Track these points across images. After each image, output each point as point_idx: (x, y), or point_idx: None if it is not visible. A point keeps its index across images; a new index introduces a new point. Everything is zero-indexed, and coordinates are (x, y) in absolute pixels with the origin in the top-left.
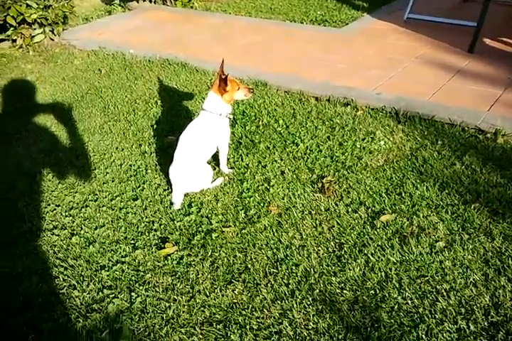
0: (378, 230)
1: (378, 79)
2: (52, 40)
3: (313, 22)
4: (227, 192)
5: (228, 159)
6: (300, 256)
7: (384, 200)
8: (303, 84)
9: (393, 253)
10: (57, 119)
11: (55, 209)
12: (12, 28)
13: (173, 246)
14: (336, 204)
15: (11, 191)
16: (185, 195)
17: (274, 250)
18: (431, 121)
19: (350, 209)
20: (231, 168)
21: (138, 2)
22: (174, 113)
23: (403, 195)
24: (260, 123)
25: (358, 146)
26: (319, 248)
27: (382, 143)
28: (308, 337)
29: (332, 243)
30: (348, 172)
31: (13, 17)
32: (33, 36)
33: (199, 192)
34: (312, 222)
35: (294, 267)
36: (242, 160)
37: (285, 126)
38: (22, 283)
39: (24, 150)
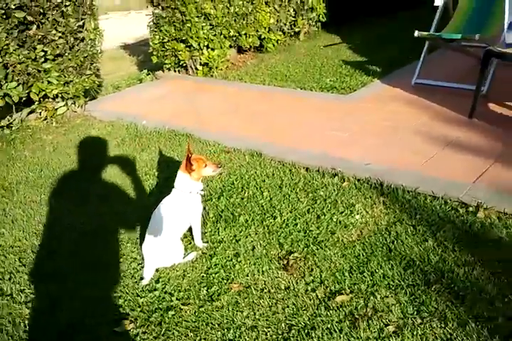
0: (331, 311)
1: (373, 149)
2: (75, 111)
3: (322, 89)
4: (196, 268)
5: (205, 233)
6: (248, 337)
7: (345, 279)
8: (297, 154)
9: (340, 337)
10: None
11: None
12: (37, 102)
13: (130, 323)
14: (297, 283)
15: None
16: (156, 270)
17: (225, 330)
18: (414, 194)
19: (309, 288)
20: (206, 241)
21: (163, 71)
22: (167, 184)
23: (365, 273)
24: (246, 195)
25: (335, 220)
26: (269, 329)
27: (358, 217)
28: None
29: (283, 324)
30: (317, 248)
31: (35, 93)
32: (56, 109)
33: (170, 267)
34: (269, 301)
35: None
36: (218, 234)
37: (269, 199)
38: None
39: None
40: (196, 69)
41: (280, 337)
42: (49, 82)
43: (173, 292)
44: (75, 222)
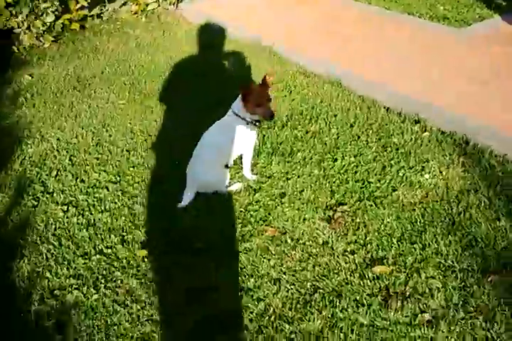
0: (365, 281)
1: (469, 98)
2: (166, 9)
3: (433, 18)
4: (236, 200)
5: (256, 164)
6: (267, 290)
7: (391, 247)
8: (381, 92)
9: (366, 313)
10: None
11: (76, 185)
12: None
13: (154, 248)
14: (337, 240)
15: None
16: (197, 194)
17: (245, 277)
18: (502, 160)
19: (348, 249)
20: (255, 173)
21: None
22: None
23: (416, 245)
24: (312, 128)
25: (401, 175)
26: (292, 286)
27: (428, 176)
28: None
29: (309, 284)
30: (371, 205)
31: None
32: (147, 4)
33: (210, 195)
34: (301, 254)
35: (255, 302)
36: (270, 167)
37: (335, 137)
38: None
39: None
40: None
41: (301, 298)
42: None
43: (204, 223)
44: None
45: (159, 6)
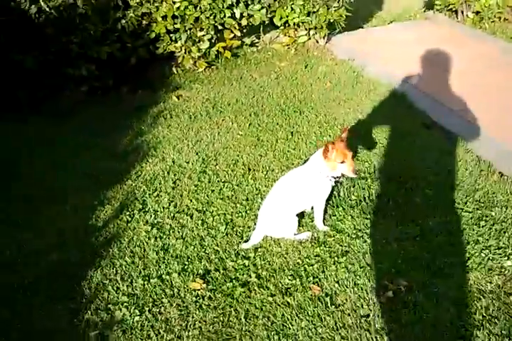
0: None
1: None
2: (317, 42)
3: None
4: (299, 250)
5: (334, 215)
6: None
7: None
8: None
9: None
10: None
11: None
12: (282, 28)
13: (204, 283)
14: (379, 316)
15: None
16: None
17: (272, 332)
18: None
19: (387, 329)
20: (328, 225)
21: (434, 12)
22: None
23: None
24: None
25: (483, 255)
26: None
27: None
28: None
29: None
30: (434, 284)
31: (278, 18)
32: (298, 36)
33: (276, 240)
34: (335, 321)
35: None
36: (344, 221)
37: (428, 200)
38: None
39: None
40: (467, 16)
41: None
42: (292, 9)
43: (259, 268)
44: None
45: (309, 39)
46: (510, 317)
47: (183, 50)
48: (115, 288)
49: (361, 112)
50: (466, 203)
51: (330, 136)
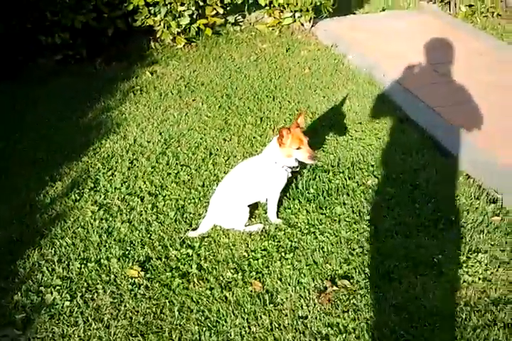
0: None
1: None
2: (302, 25)
3: None
4: (246, 243)
5: (288, 208)
6: None
7: None
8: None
9: None
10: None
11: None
12: (267, 8)
13: (142, 271)
14: (316, 318)
15: None
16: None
17: (205, 328)
18: None
19: (323, 332)
20: (281, 218)
21: (427, 2)
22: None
23: None
24: (368, 182)
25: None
26: None
27: (465, 271)
28: None
29: None
30: (378, 287)
31: None
32: (283, 18)
33: (225, 230)
34: (270, 321)
35: None
36: (298, 215)
37: (388, 197)
38: None
39: None
40: (459, 8)
41: None
42: None
43: (202, 259)
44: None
45: (295, 21)
46: (455, 327)
47: (162, 25)
48: (50, 270)
49: (335, 101)
50: (427, 204)
51: None
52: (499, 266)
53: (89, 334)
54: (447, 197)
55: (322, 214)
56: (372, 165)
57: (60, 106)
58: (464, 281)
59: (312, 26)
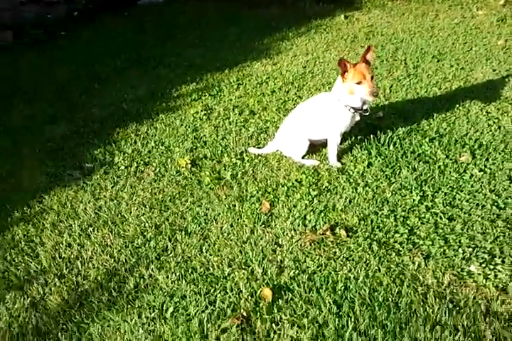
0: None
1: None
2: None
3: None
4: (289, 171)
5: (358, 158)
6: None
7: None
8: None
9: None
10: None
11: None
12: None
13: (189, 163)
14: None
15: None
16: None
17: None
18: None
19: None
20: (342, 163)
21: None
22: None
23: None
24: (461, 158)
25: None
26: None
27: None
28: None
29: None
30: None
31: None
32: None
33: (285, 158)
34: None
35: None
36: (357, 165)
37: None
38: None
39: None
40: None
41: None
42: None
43: (242, 171)
44: None
45: None
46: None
47: None
48: (132, 142)
49: None
50: None
51: None
52: None
53: (121, 189)
54: None
55: (382, 171)
56: (482, 146)
57: (244, 32)
58: None
59: None
